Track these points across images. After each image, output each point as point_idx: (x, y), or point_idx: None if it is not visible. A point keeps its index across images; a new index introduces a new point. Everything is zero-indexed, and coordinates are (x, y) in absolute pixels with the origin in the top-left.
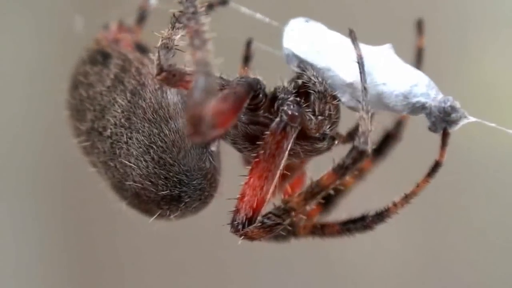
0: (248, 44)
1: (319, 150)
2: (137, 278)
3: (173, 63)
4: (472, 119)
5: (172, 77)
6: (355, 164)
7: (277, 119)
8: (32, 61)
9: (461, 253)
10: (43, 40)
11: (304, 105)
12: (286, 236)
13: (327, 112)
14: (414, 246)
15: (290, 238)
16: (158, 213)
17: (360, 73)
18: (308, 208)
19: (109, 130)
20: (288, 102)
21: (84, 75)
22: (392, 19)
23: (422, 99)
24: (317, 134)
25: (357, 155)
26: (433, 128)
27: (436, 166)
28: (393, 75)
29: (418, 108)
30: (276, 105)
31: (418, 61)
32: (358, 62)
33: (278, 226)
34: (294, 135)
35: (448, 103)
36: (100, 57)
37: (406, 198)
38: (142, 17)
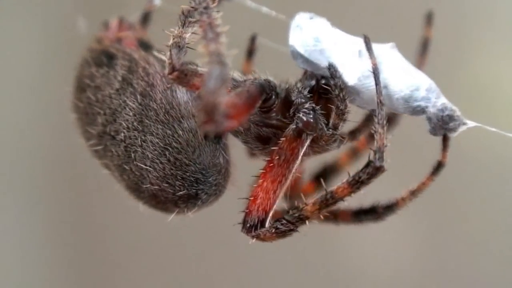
0: (253, 39)
1: (328, 150)
2: (139, 277)
3: (184, 62)
4: (472, 124)
5: (184, 76)
6: (370, 179)
7: (293, 126)
8: (35, 62)
9: (459, 256)
10: (46, 42)
11: (317, 107)
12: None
13: (343, 116)
14: (414, 248)
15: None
16: (175, 212)
17: (376, 85)
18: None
19: (122, 134)
20: (304, 110)
21: (90, 78)
22: (393, 17)
23: (423, 104)
24: (331, 136)
25: (373, 171)
26: (433, 132)
27: (438, 166)
28: (394, 79)
29: (419, 111)
30: (291, 110)
31: (423, 51)
32: (374, 73)
33: (291, 231)
34: (309, 141)
35: (446, 112)
36: (104, 58)
37: (413, 193)
38: (146, 18)
